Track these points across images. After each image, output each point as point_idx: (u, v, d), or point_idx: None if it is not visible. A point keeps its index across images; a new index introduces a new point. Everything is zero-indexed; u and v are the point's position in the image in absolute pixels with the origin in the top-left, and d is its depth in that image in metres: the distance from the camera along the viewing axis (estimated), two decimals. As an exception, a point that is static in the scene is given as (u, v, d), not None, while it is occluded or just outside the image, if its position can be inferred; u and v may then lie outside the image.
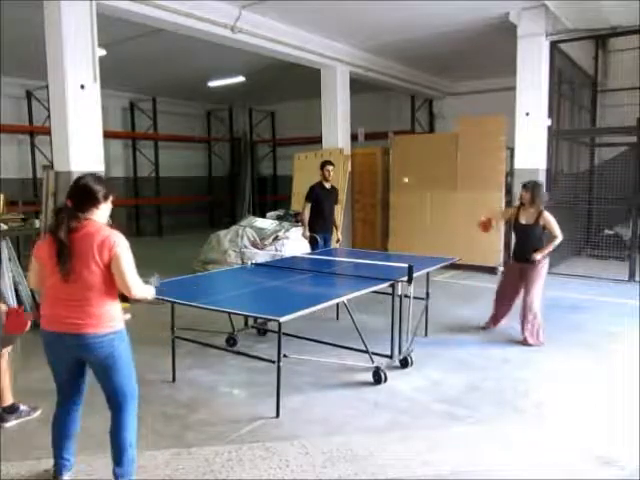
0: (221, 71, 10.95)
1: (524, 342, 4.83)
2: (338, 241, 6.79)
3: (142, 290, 2.53)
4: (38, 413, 3.49)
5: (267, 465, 2.87)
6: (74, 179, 2.52)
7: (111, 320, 2.49)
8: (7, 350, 3.43)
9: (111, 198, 2.54)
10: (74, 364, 2.60)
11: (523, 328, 4.89)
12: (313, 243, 6.39)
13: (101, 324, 2.46)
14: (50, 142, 6.06)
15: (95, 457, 2.95)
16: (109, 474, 2.79)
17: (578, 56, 8.53)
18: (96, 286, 2.43)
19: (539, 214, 4.90)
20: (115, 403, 2.60)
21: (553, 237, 4.91)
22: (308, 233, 6.47)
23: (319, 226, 6.47)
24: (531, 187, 4.95)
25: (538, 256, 4.83)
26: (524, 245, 5.00)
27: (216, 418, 3.43)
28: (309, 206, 6.49)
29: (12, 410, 3.43)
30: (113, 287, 2.48)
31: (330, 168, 6.48)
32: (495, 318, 5.28)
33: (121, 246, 2.42)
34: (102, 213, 2.51)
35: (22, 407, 3.48)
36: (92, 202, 2.46)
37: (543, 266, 4.93)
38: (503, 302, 5.21)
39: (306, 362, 4.19)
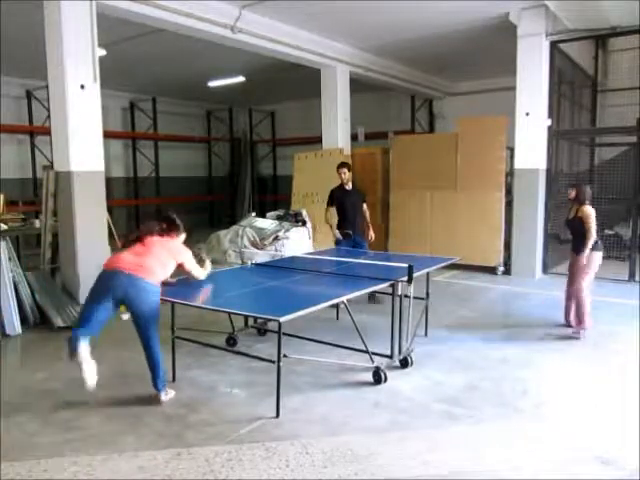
0: (221, 71, 10.95)
1: (568, 325, 5.21)
2: (370, 239, 6.56)
3: (203, 274, 3.99)
4: None
5: (267, 465, 2.87)
6: (166, 213, 3.87)
7: (158, 282, 3.58)
8: None
9: (184, 233, 3.88)
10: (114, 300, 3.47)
11: (567, 313, 5.30)
12: (345, 238, 6.30)
13: (153, 279, 3.53)
14: (50, 142, 6.06)
15: (95, 457, 2.96)
16: (109, 474, 2.80)
17: (578, 56, 8.53)
18: (163, 262, 3.63)
19: (579, 208, 5.12)
20: (141, 334, 3.55)
21: (586, 231, 5.02)
22: (338, 235, 6.34)
23: (345, 229, 6.34)
24: (576, 185, 5.29)
25: (584, 260, 5.04)
26: (572, 239, 5.29)
27: (216, 418, 3.43)
28: (331, 210, 6.44)
29: None
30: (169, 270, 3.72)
31: (343, 170, 6.36)
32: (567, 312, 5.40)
33: (186, 257, 3.81)
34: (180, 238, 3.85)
35: None
36: (176, 229, 3.81)
37: (587, 258, 5.03)
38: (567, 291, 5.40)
39: (306, 362, 4.19)
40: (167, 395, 3.70)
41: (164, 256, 3.65)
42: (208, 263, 4.18)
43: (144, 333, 3.54)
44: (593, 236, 4.99)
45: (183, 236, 3.86)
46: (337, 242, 6.39)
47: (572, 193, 5.23)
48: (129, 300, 3.47)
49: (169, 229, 3.77)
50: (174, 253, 3.72)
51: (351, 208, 6.39)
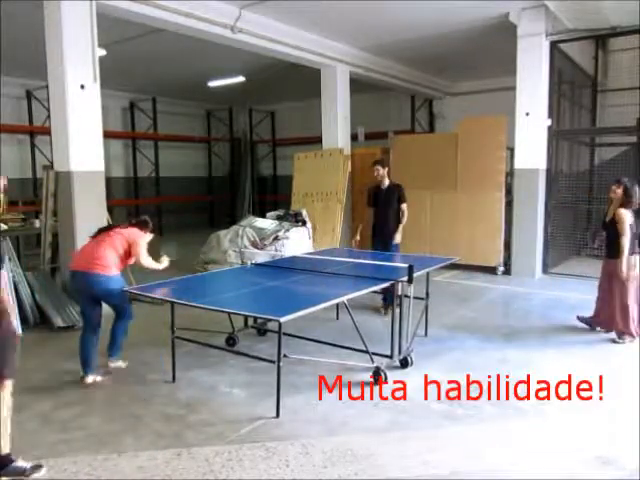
0: (221, 71, 10.95)
1: (618, 337, 4.89)
2: (395, 241, 5.97)
3: (149, 262, 4.15)
4: (40, 474, 2.80)
5: (267, 465, 2.87)
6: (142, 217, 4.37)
7: (118, 270, 4.01)
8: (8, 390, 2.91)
9: (150, 233, 4.28)
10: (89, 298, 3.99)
11: (596, 316, 5.10)
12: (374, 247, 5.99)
13: (110, 270, 3.92)
14: (50, 142, 6.05)
15: (95, 457, 2.96)
16: (109, 474, 2.80)
17: (578, 56, 8.53)
18: (118, 248, 4.03)
19: (616, 210, 4.79)
20: (116, 315, 4.10)
21: (619, 236, 4.73)
22: (357, 238, 6.13)
23: (374, 233, 6.04)
24: (625, 183, 4.82)
25: (623, 267, 4.75)
26: (607, 242, 4.97)
27: (216, 418, 3.43)
28: (369, 211, 6.12)
29: (3, 463, 2.73)
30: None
31: (376, 168, 5.95)
32: (594, 316, 5.20)
33: (137, 241, 4.11)
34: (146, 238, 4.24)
35: (20, 463, 2.77)
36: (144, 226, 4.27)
37: (626, 263, 4.76)
38: (598, 298, 5.16)
39: (306, 362, 4.19)
40: (115, 363, 4.15)
41: (120, 241, 4.05)
42: (164, 258, 4.39)
43: (118, 314, 4.10)
44: (627, 241, 4.69)
45: (149, 235, 4.27)
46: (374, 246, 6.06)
47: (618, 191, 4.79)
48: (97, 296, 3.95)
49: (138, 225, 4.24)
50: (128, 236, 4.09)
51: (383, 208, 5.98)
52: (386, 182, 6.04)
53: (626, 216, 4.73)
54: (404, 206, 5.98)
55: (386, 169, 6.05)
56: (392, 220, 5.97)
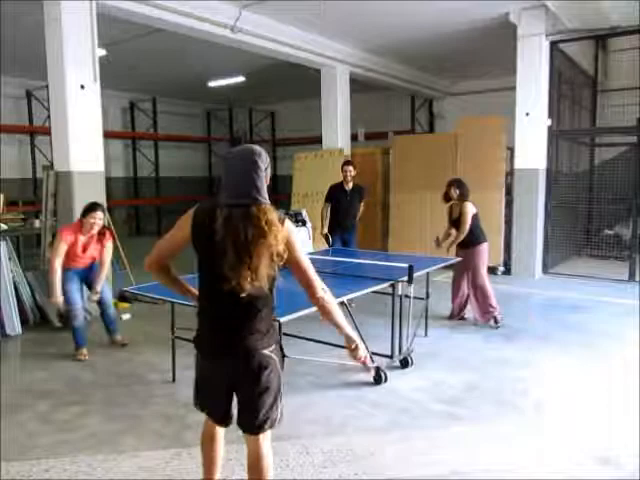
0: (221, 71, 10.95)
1: (461, 318, 5.52)
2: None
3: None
4: None
5: (267, 465, 2.86)
6: None
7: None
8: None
9: None
10: None
11: (460, 308, 5.54)
12: (327, 242, 6.38)
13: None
14: (50, 142, 6.05)
15: (95, 457, 2.96)
16: (109, 474, 2.80)
17: (578, 56, 8.53)
18: None
19: (462, 205, 5.31)
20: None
21: (461, 225, 5.27)
22: (324, 231, 6.45)
23: (333, 227, 6.40)
24: (457, 183, 5.41)
25: (444, 244, 5.50)
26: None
27: (216, 418, 3.43)
28: (327, 206, 6.46)
29: None
30: None
31: (349, 169, 6.36)
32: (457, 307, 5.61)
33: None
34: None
35: None
36: None
37: (478, 251, 5.31)
38: (457, 288, 5.55)
39: (306, 362, 4.19)
40: (119, 337, 4.75)
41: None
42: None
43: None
44: (465, 232, 5.22)
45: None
46: (326, 241, 6.45)
47: (457, 191, 5.31)
48: None
49: None
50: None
51: (345, 208, 6.34)
52: (351, 184, 6.42)
53: (470, 208, 5.28)
54: (362, 204, 6.58)
55: (355, 171, 6.49)
56: (352, 217, 6.45)
